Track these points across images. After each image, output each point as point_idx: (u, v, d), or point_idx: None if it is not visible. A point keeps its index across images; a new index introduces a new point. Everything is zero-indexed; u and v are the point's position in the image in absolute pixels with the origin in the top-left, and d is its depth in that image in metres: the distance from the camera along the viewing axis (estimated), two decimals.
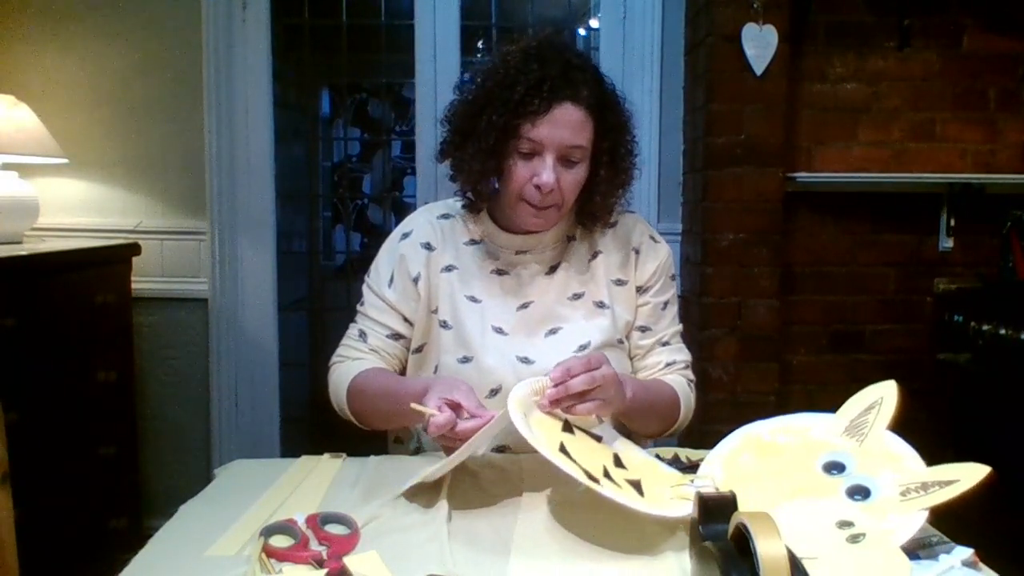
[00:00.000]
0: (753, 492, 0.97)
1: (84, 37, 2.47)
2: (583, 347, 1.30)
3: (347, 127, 4.21)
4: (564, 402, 1.07)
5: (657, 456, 1.18)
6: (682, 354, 1.41)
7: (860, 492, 0.94)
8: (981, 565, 0.89)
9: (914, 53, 2.50)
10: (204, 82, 2.48)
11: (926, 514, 0.89)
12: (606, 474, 1.01)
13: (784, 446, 1.06)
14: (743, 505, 0.80)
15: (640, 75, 2.56)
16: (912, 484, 0.92)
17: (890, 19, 2.48)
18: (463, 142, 1.28)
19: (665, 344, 1.40)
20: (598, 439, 1.12)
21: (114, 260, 2.32)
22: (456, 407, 1.08)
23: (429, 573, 0.87)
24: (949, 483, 0.89)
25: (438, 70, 2.55)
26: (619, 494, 0.97)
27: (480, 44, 2.83)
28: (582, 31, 2.87)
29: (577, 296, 1.34)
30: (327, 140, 3.99)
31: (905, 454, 0.98)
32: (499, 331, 1.31)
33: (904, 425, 1.01)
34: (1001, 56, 2.51)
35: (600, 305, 1.34)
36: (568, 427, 1.08)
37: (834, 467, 0.99)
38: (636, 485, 1.02)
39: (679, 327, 1.43)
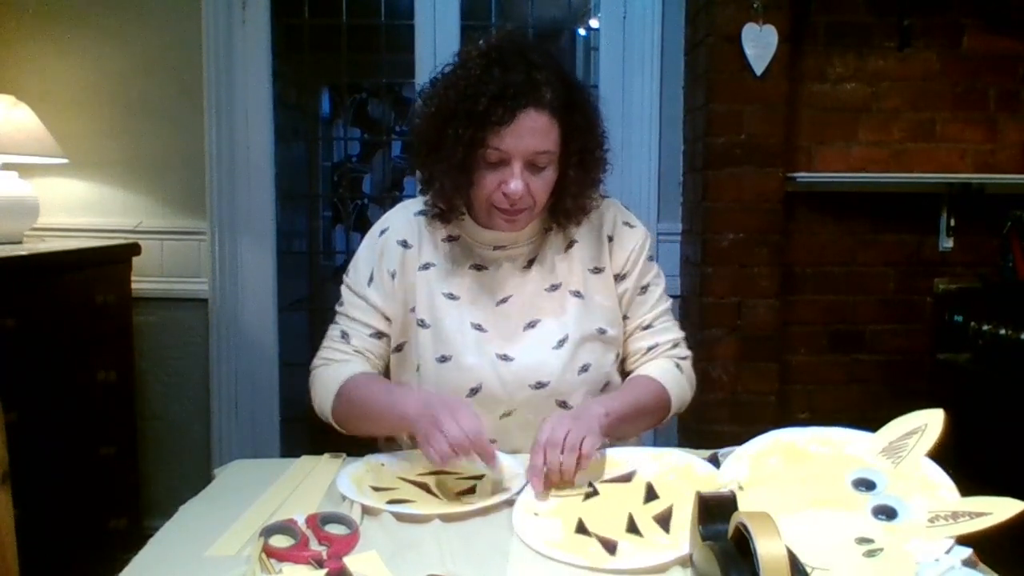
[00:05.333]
0: (776, 495, 0.97)
1: (84, 37, 2.47)
2: (561, 341, 1.30)
3: (347, 127, 4.21)
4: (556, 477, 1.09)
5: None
6: (667, 334, 1.38)
7: (886, 512, 0.93)
8: (981, 565, 0.89)
9: (914, 53, 2.49)
10: (204, 82, 2.48)
11: (951, 542, 0.87)
12: (631, 526, 0.98)
13: (816, 455, 1.05)
14: (764, 506, 0.79)
15: (640, 75, 2.56)
16: (942, 512, 0.91)
17: (890, 19, 2.47)
18: (430, 153, 1.26)
19: (647, 328, 1.37)
20: (629, 478, 1.10)
21: (114, 260, 2.32)
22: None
23: (429, 573, 0.87)
24: (980, 515, 0.88)
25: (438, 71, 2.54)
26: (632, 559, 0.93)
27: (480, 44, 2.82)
28: (582, 31, 2.87)
29: (554, 287, 1.33)
30: (327, 140, 3.99)
31: (941, 483, 0.96)
32: (478, 328, 1.30)
33: None
34: (1001, 56, 2.50)
35: (576, 295, 1.33)
36: (591, 491, 1.06)
37: (864, 484, 0.98)
38: (664, 521, 0.99)
39: (665, 306, 1.40)
